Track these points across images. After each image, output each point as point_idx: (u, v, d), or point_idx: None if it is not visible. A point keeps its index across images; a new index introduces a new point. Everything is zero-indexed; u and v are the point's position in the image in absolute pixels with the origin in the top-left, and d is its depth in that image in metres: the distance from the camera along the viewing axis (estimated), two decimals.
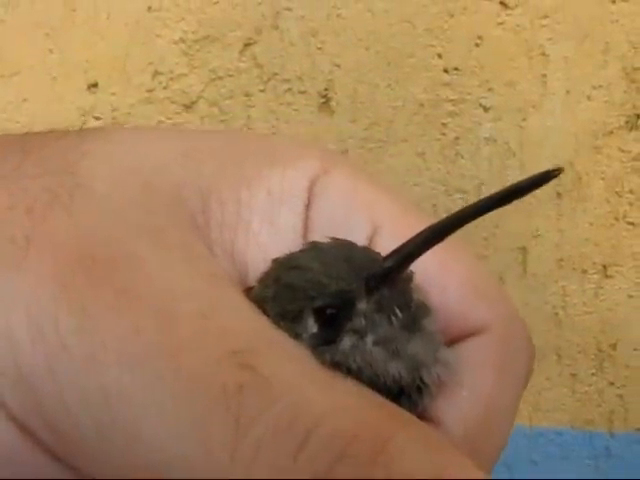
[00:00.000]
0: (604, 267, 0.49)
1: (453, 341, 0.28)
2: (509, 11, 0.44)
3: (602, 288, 0.49)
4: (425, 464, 0.21)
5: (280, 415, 0.21)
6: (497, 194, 0.22)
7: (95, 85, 0.48)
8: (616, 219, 0.47)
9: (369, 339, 0.25)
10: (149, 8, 0.46)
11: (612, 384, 0.50)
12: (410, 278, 0.25)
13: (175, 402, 0.21)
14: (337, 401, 0.22)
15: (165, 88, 0.47)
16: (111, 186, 0.25)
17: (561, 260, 0.49)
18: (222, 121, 0.47)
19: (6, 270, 0.23)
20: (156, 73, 0.47)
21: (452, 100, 0.45)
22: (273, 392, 0.21)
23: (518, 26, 0.44)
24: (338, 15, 0.44)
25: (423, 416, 0.26)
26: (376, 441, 0.21)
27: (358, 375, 0.24)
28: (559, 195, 0.47)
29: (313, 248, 0.26)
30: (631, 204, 0.47)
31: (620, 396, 0.50)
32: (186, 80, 0.47)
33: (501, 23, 0.44)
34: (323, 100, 0.46)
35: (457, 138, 0.46)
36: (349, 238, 0.26)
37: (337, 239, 0.26)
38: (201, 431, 0.21)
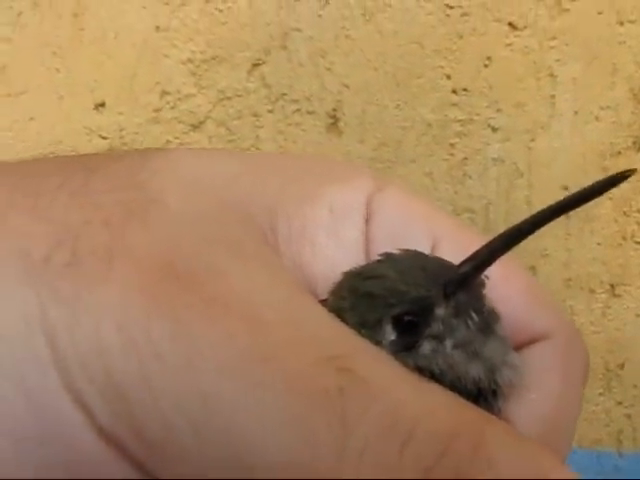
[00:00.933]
0: (612, 286, 0.49)
1: (517, 348, 0.28)
2: (517, 32, 0.44)
3: (610, 307, 0.49)
4: (522, 459, 0.21)
5: (382, 415, 0.21)
6: (568, 197, 0.23)
7: (102, 104, 0.48)
8: (624, 239, 0.47)
9: (448, 343, 0.25)
10: (157, 28, 0.46)
11: (620, 404, 0.50)
12: (483, 284, 0.26)
13: (277, 405, 0.21)
14: (431, 401, 0.22)
15: (173, 108, 0.47)
16: (183, 201, 0.25)
17: (569, 279, 0.49)
18: (230, 141, 0.47)
19: (92, 283, 0.23)
20: (164, 93, 0.47)
21: (460, 120, 0.45)
22: (373, 393, 0.22)
23: (526, 47, 0.44)
24: (347, 36, 0.44)
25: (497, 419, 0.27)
26: (475, 437, 0.21)
27: (440, 379, 0.25)
28: (567, 215, 0.47)
29: (388, 258, 0.27)
30: (639, 224, 0.48)
31: (628, 416, 0.50)
32: (194, 100, 0.47)
33: (509, 44, 0.44)
34: (331, 120, 0.46)
35: (465, 158, 0.46)
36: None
37: (409, 250, 0.27)
38: (307, 433, 0.21)
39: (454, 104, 0.45)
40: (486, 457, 0.21)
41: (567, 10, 0.44)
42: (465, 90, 0.45)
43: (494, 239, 0.24)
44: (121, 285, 0.23)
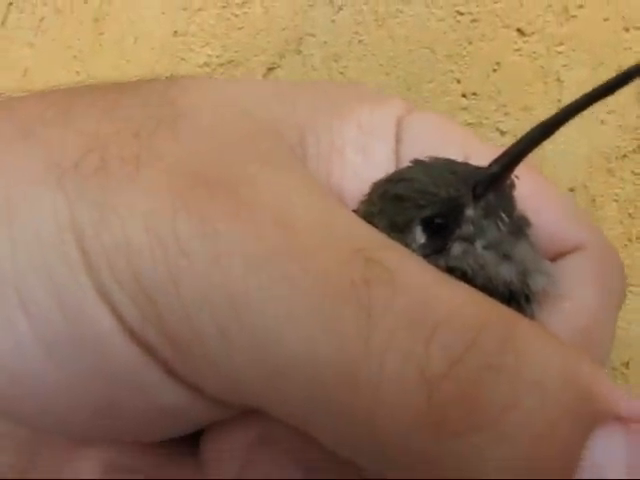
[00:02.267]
0: None
1: (553, 259, 0.28)
2: (526, 38, 0.45)
3: None
4: (553, 354, 0.21)
5: (409, 307, 0.21)
6: (596, 89, 0.23)
7: None
8: (629, 240, 0.48)
9: (479, 244, 0.25)
10: (175, 32, 0.48)
11: None
12: (513, 185, 0.25)
13: (304, 299, 0.21)
14: (460, 296, 0.22)
15: None
16: (213, 117, 0.25)
17: None
18: None
19: (120, 186, 0.22)
20: None
21: (470, 124, 0.46)
22: (401, 285, 0.21)
23: (534, 53, 0.45)
24: (360, 41, 0.45)
25: None
26: (504, 331, 0.21)
27: (472, 280, 0.24)
28: None
29: (418, 163, 0.26)
30: None
31: None
32: None
33: (518, 50, 0.45)
34: None
35: None
36: None
37: (439, 157, 0.26)
38: (332, 324, 0.21)
39: (464, 108, 0.46)
40: (517, 349, 0.20)
41: (574, 17, 0.45)
42: (474, 94, 0.46)
43: (521, 138, 0.24)
44: (149, 187, 0.22)
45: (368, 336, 0.20)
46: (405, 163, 0.27)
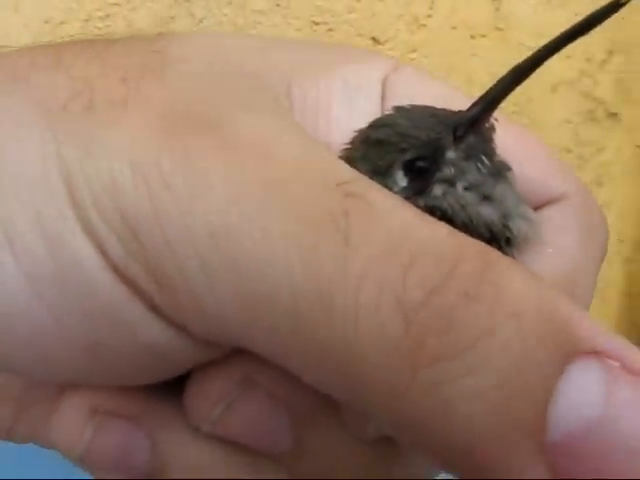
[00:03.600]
0: None
1: (536, 207, 0.28)
2: (380, 46, 0.47)
3: None
4: (531, 289, 0.20)
5: (387, 237, 0.21)
6: (568, 30, 0.22)
7: None
8: None
9: (459, 185, 0.25)
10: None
11: None
12: (493, 128, 0.25)
13: (283, 229, 0.21)
14: (437, 228, 0.22)
15: None
16: (200, 65, 0.26)
17: None
18: None
19: (106, 125, 0.23)
20: None
21: None
22: (378, 217, 0.21)
23: None
24: None
25: None
26: (482, 261, 0.21)
27: (451, 221, 0.24)
28: None
29: (399, 110, 0.26)
30: None
31: None
32: None
33: None
34: None
35: None
36: None
37: (417, 105, 0.26)
38: (310, 253, 0.21)
39: None
40: (494, 280, 0.20)
41: (424, 25, 0.47)
42: None
43: (497, 82, 0.24)
44: (135, 126, 0.23)
45: (345, 263, 0.21)
46: None
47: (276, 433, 0.26)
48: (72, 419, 0.27)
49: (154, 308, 0.23)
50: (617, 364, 0.19)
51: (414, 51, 0.48)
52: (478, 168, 0.25)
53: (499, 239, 0.25)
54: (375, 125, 0.26)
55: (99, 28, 0.47)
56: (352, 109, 0.28)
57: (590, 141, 0.51)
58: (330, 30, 0.46)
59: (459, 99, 0.28)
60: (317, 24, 0.46)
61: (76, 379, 0.26)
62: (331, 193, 0.22)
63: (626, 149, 0.52)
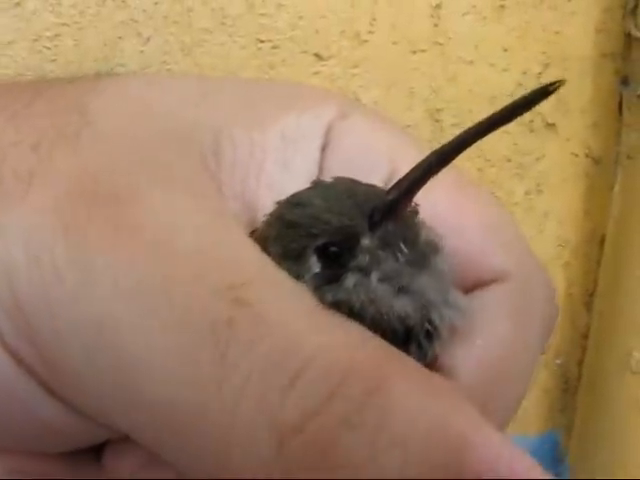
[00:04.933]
0: None
1: (469, 289, 0.26)
2: (323, 62, 0.48)
3: None
4: (424, 409, 0.19)
5: (270, 351, 0.20)
6: (495, 114, 0.21)
7: None
8: None
9: (374, 276, 0.23)
10: None
11: None
12: (416, 212, 0.24)
13: (166, 336, 0.20)
14: (332, 339, 0.21)
15: None
16: (119, 126, 0.25)
17: None
18: None
19: (8, 203, 0.23)
20: None
21: None
22: (264, 328, 0.20)
23: (332, 75, 0.49)
24: (168, 69, 0.46)
25: (433, 365, 0.24)
26: (370, 381, 0.19)
27: (362, 316, 0.23)
28: None
29: (316, 185, 0.25)
30: None
31: None
32: None
33: (317, 73, 0.49)
34: None
35: None
36: (366, 181, 0.24)
37: (342, 177, 0.24)
38: (188, 365, 0.20)
39: None
40: (381, 404, 0.19)
41: (366, 41, 0.49)
42: None
43: (422, 161, 0.22)
44: (35, 206, 0.22)
45: (222, 380, 0.20)
46: (329, 173, 0.26)
47: None
48: None
49: (44, 385, 0.23)
50: None
51: (356, 66, 0.49)
52: (395, 257, 0.24)
53: (417, 333, 0.24)
54: (291, 202, 0.25)
55: (48, 48, 0.48)
56: (286, 165, 0.27)
57: (529, 150, 0.53)
58: (274, 47, 0.48)
59: (402, 152, 0.26)
60: (262, 42, 0.47)
61: None
62: (219, 299, 0.21)
63: (563, 157, 0.54)
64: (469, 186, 0.26)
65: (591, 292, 0.57)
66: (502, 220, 0.27)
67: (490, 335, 0.26)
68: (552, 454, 0.60)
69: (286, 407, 0.19)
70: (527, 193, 0.54)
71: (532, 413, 0.60)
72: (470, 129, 0.21)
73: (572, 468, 0.58)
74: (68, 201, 0.22)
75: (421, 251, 0.24)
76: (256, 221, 0.26)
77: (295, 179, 0.27)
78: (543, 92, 0.20)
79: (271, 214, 0.25)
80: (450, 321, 0.24)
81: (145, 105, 0.26)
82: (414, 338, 0.24)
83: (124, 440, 0.24)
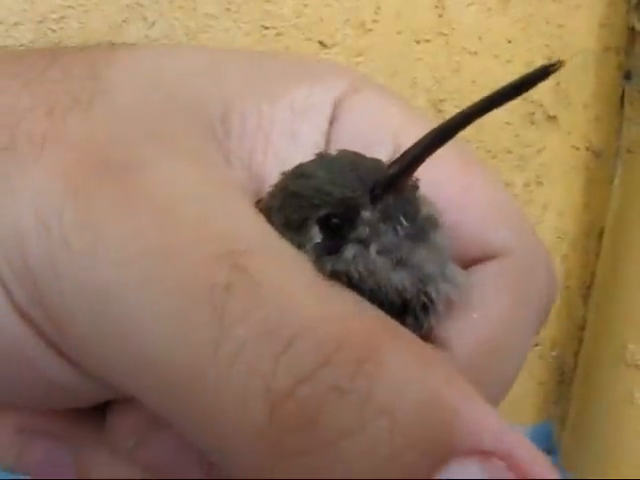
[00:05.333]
0: None
1: (470, 264, 0.26)
2: (327, 50, 0.49)
3: None
4: (414, 379, 0.19)
5: (266, 318, 0.20)
6: (496, 92, 0.21)
7: None
8: None
9: (373, 248, 0.24)
10: None
11: None
12: (416, 187, 0.24)
13: (166, 299, 0.21)
14: (329, 309, 0.21)
15: None
16: (132, 94, 0.25)
17: None
18: None
19: (21, 164, 0.23)
20: None
21: None
22: (262, 295, 0.21)
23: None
24: None
25: (429, 337, 0.24)
26: (363, 351, 0.20)
27: (360, 287, 0.23)
28: None
29: (321, 158, 0.25)
30: None
31: None
32: None
33: None
34: None
35: None
36: (372, 155, 0.25)
37: (346, 150, 0.25)
38: (188, 328, 0.21)
39: None
40: (371, 373, 0.19)
41: (370, 30, 0.49)
42: None
43: (423, 137, 0.22)
44: (47, 170, 0.23)
45: (217, 344, 0.20)
46: (335, 146, 0.26)
47: (186, 467, 0.26)
48: (1, 437, 0.28)
49: (54, 347, 0.24)
50: (502, 465, 0.18)
51: (360, 55, 0.49)
52: (395, 230, 0.24)
53: (413, 306, 0.24)
54: (295, 174, 0.25)
55: (53, 30, 0.48)
56: (294, 137, 0.27)
57: (530, 142, 0.53)
58: (279, 34, 0.48)
59: (408, 129, 0.27)
60: (266, 28, 0.47)
61: (5, 402, 0.27)
62: (219, 265, 0.21)
63: (564, 150, 0.54)
64: (474, 163, 0.27)
65: (588, 284, 0.58)
66: (506, 200, 0.28)
67: (487, 309, 0.26)
68: (546, 445, 0.61)
69: (278, 372, 0.20)
70: (527, 185, 0.54)
71: (527, 404, 0.60)
72: (471, 106, 0.21)
73: (564, 458, 0.58)
74: (78, 168, 0.23)
75: (421, 225, 0.24)
76: (262, 191, 0.26)
77: (302, 150, 0.27)
78: (543, 72, 0.20)
79: (276, 185, 0.26)
80: (447, 295, 0.25)
81: (157, 76, 0.27)
82: (411, 310, 0.24)
83: (128, 400, 0.25)
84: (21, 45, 0.49)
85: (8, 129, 0.24)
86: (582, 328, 0.58)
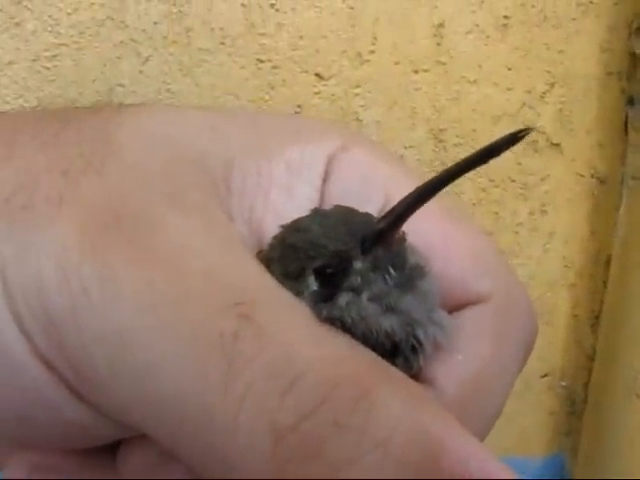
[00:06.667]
0: None
1: (454, 309, 0.28)
2: (324, 82, 0.48)
3: None
4: (405, 415, 0.21)
5: (270, 361, 0.22)
6: (475, 154, 0.23)
7: None
8: None
9: (364, 296, 0.26)
10: None
11: None
12: (404, 239, 0.26)
13: (178, 346, 0.23)
14: (326, 352, 0.23)
15: None
16: (140, 155, 0.27)
17: None
18: None
19: (40, 225, 0.25)
20: None
21: None
22: (266, 340, 0.23)
23: (333, 95, 0.49)
24: (167, 90, 0.47)
25: (418, 377, 0.27)
26: (358, 389, 0.22)
27: (353, 331, 0.25)
28: None
29: (315, 213, 0.28)
30: None
31: None
32: None
33: (318, 93, 0.48)
34: None
35: None
36: (363, 209, 0.27)
37: (339, 206, 0.27)
38: (199, 371, 0.23)
39: None
40: (366, 410, 0.21)
41: (367, 61, 0.48)
42: None
43: (408, 195, 0.24)
44: (65, 227, 0.25)
45: (227, 385, 0.22)
46: (329, 201, 0.29)
47: None
48: (15, 475, 0.29)
49: (72, 390, 0.25)
50: None
51: (358, 86, 0.49)
52: (384, 279, 0.26)
53: (403, 348, 0.26)
54: (292, 228, 0.28)
55: (47, 68, 0.47)
56: (290, 193, 0.29)
57: (533, 171, 0.53)
58: (275, 67, 0.47)
59: (397, 183, 0.29)
60: (262, 62, 0.47)
61: (23, 441, 0.28)
62: (226, 315, 0.23)
63: (568, 177, 0.53)
64: (457, 217, 0.29)
65: (597, 313, 0.57)
66: (486, 248, 0.30)
67: (470, 352, 0.28)
68: (558, 477, 0.59)
69: (282, 410, 0.22)
70: (531, 213, 0.53)
71: (537, 436, 0.59)
72: (450, 168, 0.23)
73: None
74: (94, 223, 0.25)
75: (408, 274, 0.26)
76: (262, 243, 0.28)
77: (298, 206, 0.29)
78: (513, 138, 0.22)
79: (275, 237, 0.28)
80: (434, 337, 0.27)
81: (163, 136, 0.29)
82: (401, 352, 0.26)
83: (139, 437, 0.26)
84: (15, 82, 0.49)
85: (27, 189, 0.26)
86: (591, 358, 0.57)
